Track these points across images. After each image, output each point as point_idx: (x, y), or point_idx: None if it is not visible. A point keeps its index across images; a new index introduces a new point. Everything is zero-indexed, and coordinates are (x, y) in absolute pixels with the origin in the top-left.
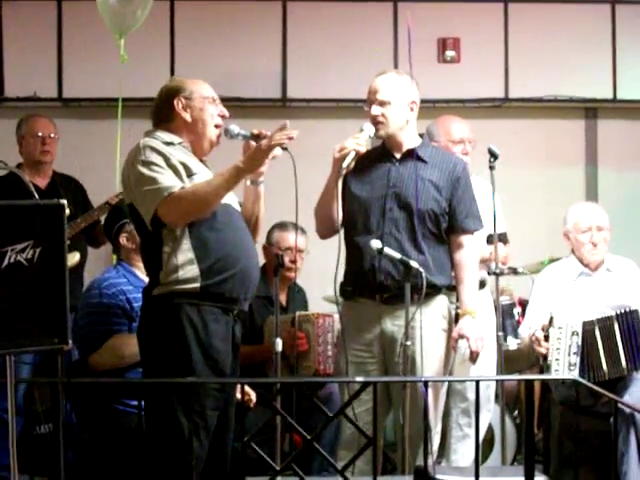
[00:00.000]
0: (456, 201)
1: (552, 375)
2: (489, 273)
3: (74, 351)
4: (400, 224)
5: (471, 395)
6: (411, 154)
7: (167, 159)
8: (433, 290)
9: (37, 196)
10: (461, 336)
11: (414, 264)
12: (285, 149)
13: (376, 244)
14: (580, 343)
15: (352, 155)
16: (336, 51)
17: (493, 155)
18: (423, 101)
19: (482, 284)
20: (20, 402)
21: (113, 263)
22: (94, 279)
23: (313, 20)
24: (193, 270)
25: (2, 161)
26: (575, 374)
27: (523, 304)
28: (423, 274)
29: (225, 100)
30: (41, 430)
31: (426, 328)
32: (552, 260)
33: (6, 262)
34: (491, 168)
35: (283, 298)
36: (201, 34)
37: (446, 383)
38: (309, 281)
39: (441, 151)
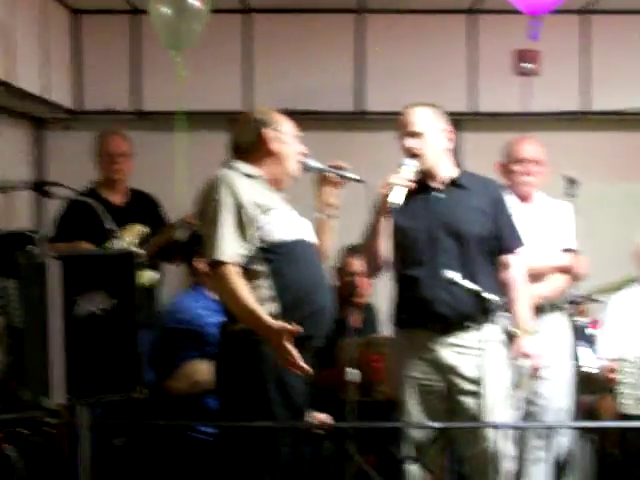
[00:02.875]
0: (500, 223)
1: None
2: (564, 302)
3: (150, 373)
4: (452, 253)
5: (546, 418)
6: (451, 182)
7: (240, 203)
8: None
9: (111, 215)
10: (522, 354)
11: (490, 295)
12: (362, 181)
13: (451, 274)
14: None
15: (403, 191)
16: (413, 62)
17: (571, 182)
18: (501, 114)
19: (557, 307)
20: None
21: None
22: (169, 303)
23: (389, 32)
24: (273, 307)
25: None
26: None
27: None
28: (499, 303)
29: (301, 113)
30: (116, 442)
31: (491, 356)
32: (630, 279)
33: (80, 312)
34: (569, 195)
35: (356, 320)
36: (276, 47)
37: (520, 404)
38: (381, 302)
39: (477, 176)
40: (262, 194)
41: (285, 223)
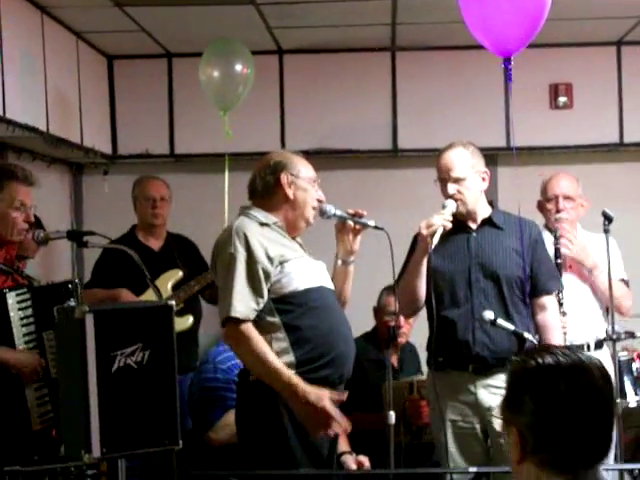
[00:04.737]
0: (537, 264)
1: None
2: (605, 339)
3: (187, 420)
4: (489, 294)
5: None
6: (487, 223)
7: (254, 257)
8: None
9: (149, 260)
10: None
11: (528, 335)
12: (381, 229)
13: (489, 315)
14: None
15: (440, 231)
16: (446, 99)
17: (607, 218)
18: (536, 148)
19: (600, 344)
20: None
21: None
22: (209, 352)
23: (422, 69)
24: (288, 358)
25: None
26: None
27: None
28: (535, 343)
29: (335, 152)
30: None
31: None
32: None
33: (116, 366)
34: (606, 231)
35: (395, 360)
36: (310, 86)
37: None
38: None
39: (513, 216)
40: (277, 243)
41: (300, 273)
